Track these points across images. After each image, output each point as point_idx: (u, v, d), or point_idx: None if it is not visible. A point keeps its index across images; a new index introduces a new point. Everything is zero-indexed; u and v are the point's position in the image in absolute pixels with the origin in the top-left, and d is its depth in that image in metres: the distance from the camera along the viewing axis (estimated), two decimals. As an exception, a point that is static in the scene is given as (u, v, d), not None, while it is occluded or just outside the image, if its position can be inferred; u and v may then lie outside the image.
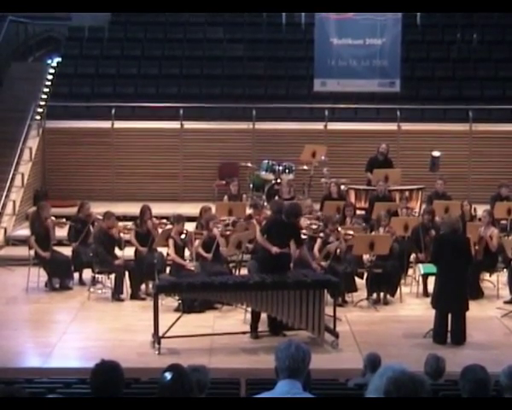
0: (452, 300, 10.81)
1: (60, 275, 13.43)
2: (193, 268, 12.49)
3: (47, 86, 20.32)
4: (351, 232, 13.07)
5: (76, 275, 13.64)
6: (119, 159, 18.83)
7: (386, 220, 13.22)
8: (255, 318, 11.14)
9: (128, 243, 13.45)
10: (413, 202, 15.94)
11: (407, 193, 15.91)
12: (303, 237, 12.23)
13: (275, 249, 10.93)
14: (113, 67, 20.78)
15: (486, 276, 13.62)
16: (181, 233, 12.69)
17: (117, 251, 13.30)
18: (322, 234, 13.00)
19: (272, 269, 10.90)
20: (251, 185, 17.32)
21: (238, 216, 14.36)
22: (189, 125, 18.95)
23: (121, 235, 13.33)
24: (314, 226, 13.42)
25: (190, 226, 13.34)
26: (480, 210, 14.53)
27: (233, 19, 21.93)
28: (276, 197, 15.37)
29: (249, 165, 17.50)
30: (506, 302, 12.66)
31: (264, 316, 11.15)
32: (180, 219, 12.84)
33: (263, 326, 11.18)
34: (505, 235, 14.34)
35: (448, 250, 10.85)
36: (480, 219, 13.88)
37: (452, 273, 10.80)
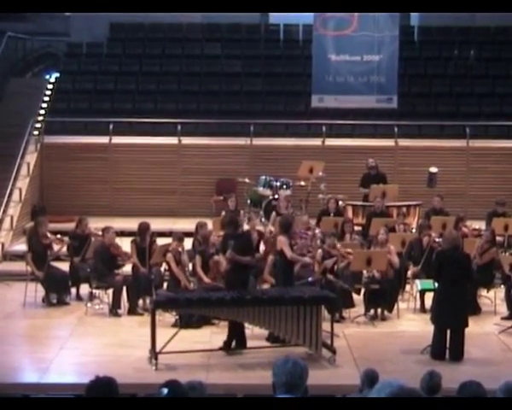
0: (452, 316, 10.78)
1: (57, 290, 13.41)
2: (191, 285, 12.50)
3: (45, 102, 20.36)
4: (349, 250, 13.02)
5: (73, 290, 13.63)
6: (117, 174, 18.84)
7: (382, 239, 13.15)
8: (231, 336, 11.04)
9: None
10: (410, 218, 15.95)
11: (404, 209, 15.91)
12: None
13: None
14: (111, 82, 20.82)
15: (484, 292, 13.62)
16: (178, 252, 12.66)
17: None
18: (320, 250, 12.99)
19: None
20: (248, 201, 17.34)
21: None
22: (186, 140, 18.99)
23: (121, 251, 13.31)
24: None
25: (188, 242, 13.34)
26: (477, 226, 14.56)
27: (231, 35, 22.03)
28: (274, 213, 15.40)
29: (247, 181, 17.52)
30: (503, 318, 12.64)
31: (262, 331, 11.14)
32: (180, 238, 12.77)
33: (261, 341, 11.17)
34: (502, 251, 14.34)
35: (448, 266, 10.84)
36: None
37: (453, 289, 10.77)
